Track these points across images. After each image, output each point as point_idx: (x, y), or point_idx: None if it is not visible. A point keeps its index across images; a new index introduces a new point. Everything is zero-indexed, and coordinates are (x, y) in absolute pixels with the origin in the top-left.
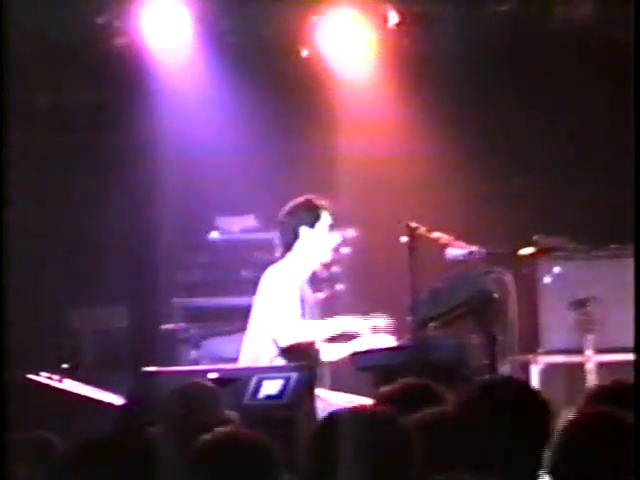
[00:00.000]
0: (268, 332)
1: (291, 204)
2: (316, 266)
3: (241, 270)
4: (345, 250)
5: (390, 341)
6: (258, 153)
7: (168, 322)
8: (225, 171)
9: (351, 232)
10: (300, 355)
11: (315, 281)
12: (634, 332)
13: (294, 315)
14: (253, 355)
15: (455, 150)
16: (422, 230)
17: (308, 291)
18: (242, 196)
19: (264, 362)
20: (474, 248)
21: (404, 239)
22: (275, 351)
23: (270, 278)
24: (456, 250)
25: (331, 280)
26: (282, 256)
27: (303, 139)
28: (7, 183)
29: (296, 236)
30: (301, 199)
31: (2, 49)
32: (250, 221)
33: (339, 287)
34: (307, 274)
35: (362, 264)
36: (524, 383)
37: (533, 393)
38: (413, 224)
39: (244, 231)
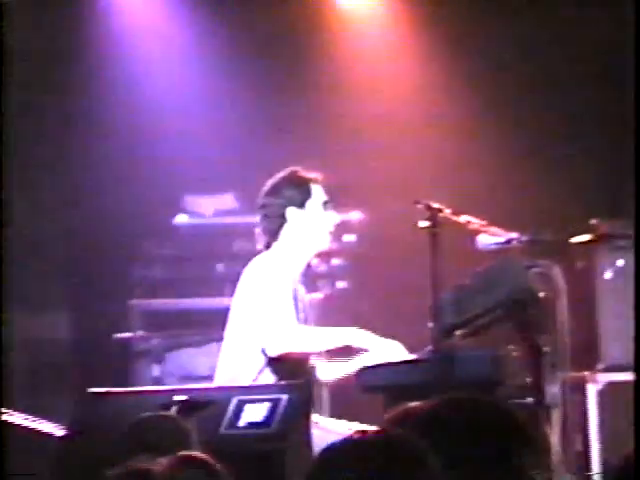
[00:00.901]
0: (252, 341)
1: (272, 180)
2: (311, 257)
3: (216, 264)
4: (349, 238)
5: (405, 354)
6: (238, 117)
7: (122, 330)
8: (196, 139)
9: (356, 215)
10: (293, 371)
11: (311, 277)
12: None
13: (286, 318)
14: (232, 371)
15: (485, 109)
16: (447, 212)
17: (302, 290)
18: (217, 170)
19: (246, 380)
20: (513, 235)
21: (424, 224)
22: (260, 365)
23: (254, 273)
24: (490, 237)
25: (331, 276)
26: (267, 246)
27: (297, 100)
28: None
29: (282, 220)
30: (284, 173)
31: None
32: (227, 201)
33: (341, 285)
34: (300, 267)
35: (370, 255)
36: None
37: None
38: (435, 204)
39: (220, 214)
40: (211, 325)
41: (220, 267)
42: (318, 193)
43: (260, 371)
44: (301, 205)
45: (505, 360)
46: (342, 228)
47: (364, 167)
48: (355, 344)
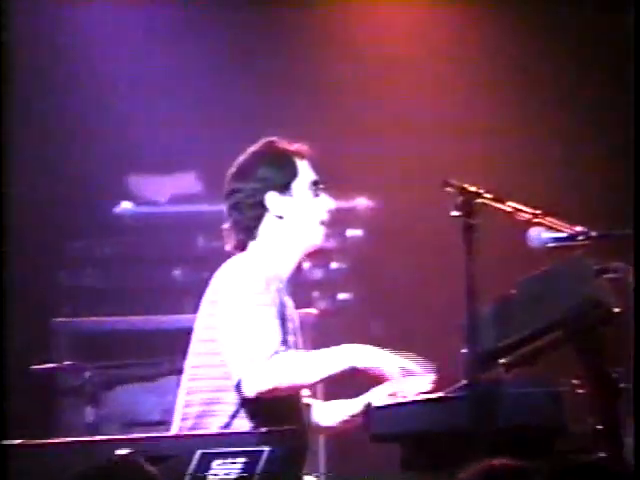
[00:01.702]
0: (222, 374)
1: (243, 157)
2: (300, 258)
3: (172, 269)
4: (353, 233)
5: (429, 388)
6: (200, 79)
7: (44, 360)
8: (145, 103)
9: (363, 203)
10: (278, 414)
11: (303, 286)
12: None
13: (269, 343)
14: (195, 414)
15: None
16: (486, 198)
17: (290, 302)
18: (175, 144)
19: (214, 427)
20: (578, 229)
21: (456, 213)
22: (233, 406)
23: (225, 283)
24: (547, 232)
25: (330, 285)
26: (240, 247)
27: (282, 59)
28: None
29: (260, 210)
30: (258, 146)
31: None
32: (187, 183)
33: (343, 296)
34: (287, 273)
35: (381, 256)
36: None
37: None
38: (472, 187)
39: (178, 200)
40: (166, 353)
41: (178, 273)
42: (305, 171)
43: (233, 415)
44: (284, 189)
45: (566, 399)
46: (344, 220)
47: (370, 141)
48: (360, 364)
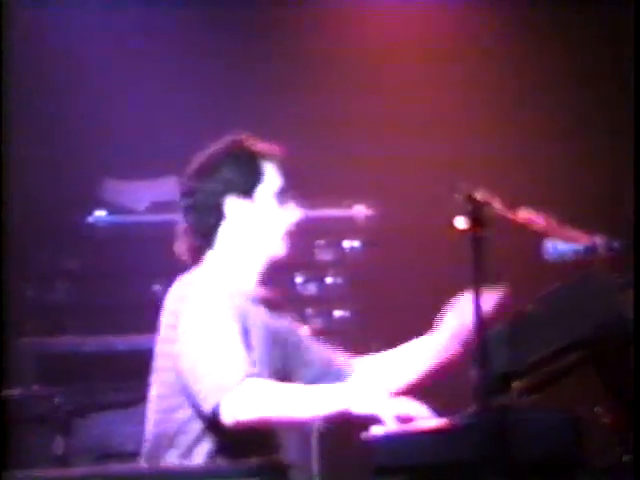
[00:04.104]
0: (186, 404)
1: (207, 154)
2: (260, 269)
3: (150, 283)
4: (350, 244)
5: (431, 416)
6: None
7: (7, 385)
8: (121, 103)
9: (361, 210)
10: (255, 442)
11: (295, 302)
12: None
13: (238, 365)
14: (164, 443)
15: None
16: (497, 206)
17: (263, 315)
18: (152, 146)
19: (178, 459)
20: (598, 240)
21: (462, 222)
22: (210, 438)
23: (185, 302)
24: (564, 243)
25: (324, 301)
26: (195, 253)
27: (270, 60)
28: None
29: (218, 215)
30: (222, 143)
31: None
32: (168, 189)
33: (339, 314)
34: (250, 285)
35: (381, 270)
36: None
37: None
38: (480, 195)
39: (157, 208)
40: (143, 376)
41: (157, 289)
42: (272, 176)
43: (210, 449)
44: (246, 193)
45: (588, 428)
46: (340, 230)
47: (369, 139)
48: (354, 408)
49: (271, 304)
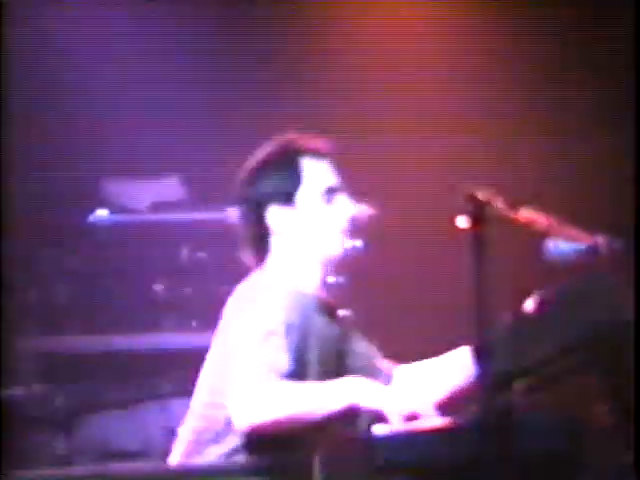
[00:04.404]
0: (221, 403)
1: (253, 159)
2: (321, 271)
3: (152, 283)
4: (352, 243)
5: (434, 414)
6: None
7: (8, 384)
8: (122, 101)
9: (363, 209)
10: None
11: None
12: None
13: (271, 368)
14: (207, 438)
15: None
16: (499, 205)
17: (322, 319)
18: (153, 145)
19: (211, 457)
20: (600, 239)
21: (464, 221)
22: (234, 438)
23: (239, 305)
24: (567, 243)
25: None
26: (257, 257)
27: (270, 59)
28: None
29: (264, 227)
30: (268, 147)
31: None
32: (169, 189)
33: (341, 313)
34: (312, 288)
35: (383, 269)
36: None
37: None
38: (481, 194)
39: (160, 207)
40: (145, 375)
41: (159, 288)
42: (316, 175)
43: (234, 449)
44: (288, 200)
45: (588, 428)
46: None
47: (370, 136)
48: (361, 402)
49: (330, 308)
